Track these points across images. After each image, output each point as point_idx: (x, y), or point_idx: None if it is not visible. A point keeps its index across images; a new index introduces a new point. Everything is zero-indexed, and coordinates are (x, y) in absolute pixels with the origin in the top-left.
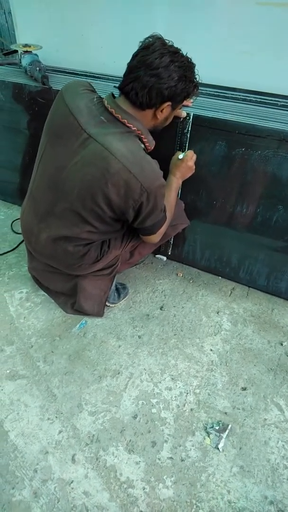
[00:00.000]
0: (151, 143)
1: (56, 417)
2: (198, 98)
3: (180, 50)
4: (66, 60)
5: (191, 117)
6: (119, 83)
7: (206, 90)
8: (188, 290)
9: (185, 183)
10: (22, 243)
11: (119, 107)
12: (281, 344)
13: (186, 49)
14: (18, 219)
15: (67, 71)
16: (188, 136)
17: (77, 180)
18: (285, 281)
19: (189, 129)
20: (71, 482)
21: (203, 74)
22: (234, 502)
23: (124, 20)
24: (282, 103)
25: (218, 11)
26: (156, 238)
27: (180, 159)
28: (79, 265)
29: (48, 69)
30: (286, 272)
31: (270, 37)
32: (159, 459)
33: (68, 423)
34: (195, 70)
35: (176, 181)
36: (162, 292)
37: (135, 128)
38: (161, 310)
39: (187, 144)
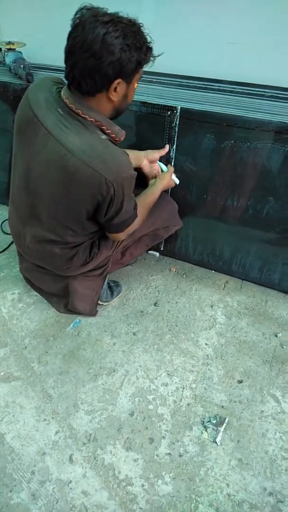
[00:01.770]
0: (118, 134)
1: (52, 417)
2: (185, 91)
3: (117, 15)
4: (51, 57)
5: (179, 110)
6: None
7: (193, 83)
8: (182, 285)
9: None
10: (12, 244)
11: (73, 96)
12: (276, 336)
13: (172, 41)
14: (7, 220)
15: (52, 68)
16: (177, 129)
17: (45, 183)
18: (278, 272)
19: (177, 122)
20: (70, 482)
21: (189, 66)
22: (234, 495)
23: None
24: (269, 94)
25: (204, 3)
26: (122, 236)
27: (164, 172)
28: (67, 267)
29: (33, 66)
30: (278, 264)
31: (256, 27)
32: (157, 455)
33: (65, 423)
34: (143, 31)
35: (156, 191)
36: (155, 288)
37: (92, 119)
38: (155, 306)
39: (175, 138)
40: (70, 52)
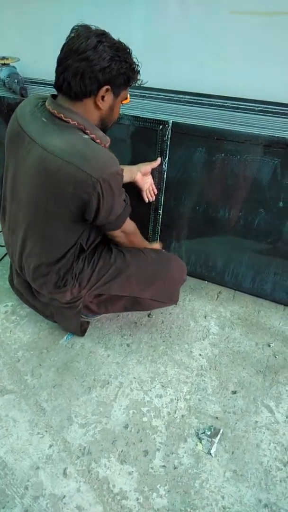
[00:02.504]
0: (102, 140)
1: (46, 431)
2: (176, 105)
3: (107, 32)
4: (45, 71)
5: (170, 124)
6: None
7: (184, 98)
8: None
9: (168, 190)
10: (6, 256)
11: (56, 103)
12: (269, 346)
13: (163, 58)
14: (0, 231)
15: (46, 82)
16: (168, 143)
17: (26, 188)
18: (270, 282)
19: (169, 136)
20: (64, 497)
21: (180, 82)
22: (229, 508)
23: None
24: (259, 108)
25: (193, 20)
26: (119, 234)
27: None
28: (42, 282)
29: (27, 80)
30: (270, 274)
31: (245, 43)
32: (152, 468)
33: (59, 436)
34: (132, 54)
35: (147, 244)
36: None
37: (74, 122)
38: (149, 317)
39: (167, 151)
40: (64, 57)
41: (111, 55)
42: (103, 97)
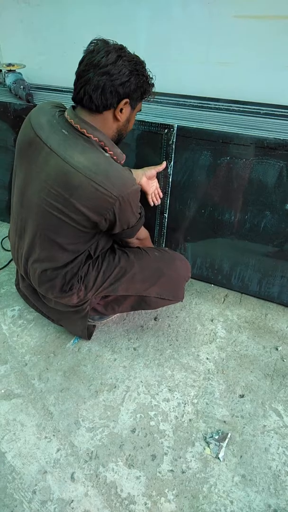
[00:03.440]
0: (119, 157)
1: (54, 435)
2: (181, 109)
3: (125, 47)
4: (50, 77)
5: (175, 128)
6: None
7: (190, 102)
8: None
9: (173, 193)
10: (12, 261)
11: (78, 116)
12: (277, 349)
13: (168, 62)
14: (7, 236)
15: (51, 88)
16: (174, 147)
17: (41, 198)
18: (277, 285)
19: (174, 140)
20: (71, 502)
21: (184, 86)
22: None
23: (105, 36)
24: (264, 111)
25: (198, 25)
26: (134, 241)
27: None
28: (48, 287)
29: (32, 86)
30: (277, 277)
31: (249, 47)
32: (159, 472)
33: (66, 440)
34: (147, 68)
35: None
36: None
37: (96, 139)
38: (155, 320)
39: (172, 155)
40: (84, 71)
41: (130, 69)
42: (121, 110)
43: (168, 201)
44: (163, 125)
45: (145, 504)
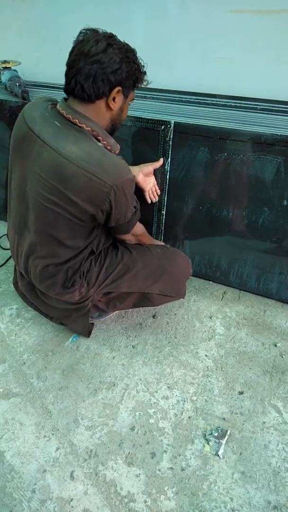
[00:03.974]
0: (113, 147)
1: (53, 434)
2: (178, 105)
3: (115, 35)
4: (45, 74)
5: (172, 125)
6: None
7: (187, 98)
8: None
9: (171, 190)
10: (10, 259)
11: (70, 107)
12: (275, 346)
13: (165, 58)
14: (5, 234)
15: (47, 85)
16: (171, 143)
17: (38, 191)
18: (275, 282)
19: (171, 136)
20: (71, 500)
21: (181, 82)
22: (238, 510)
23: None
24: (261, 107)
25: (194, 20)
26: (129, 236)
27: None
28: (50, 284)
29: (28, 84)
30: (275, 273)
31: (246, 42)
32: (159, 470)
33: (65, 439)
34: (138, 56)
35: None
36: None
37: (88, 128)
38: (154, 318)
39: (170, 151)
40: (74, 61)
41: (121, 57)
42: (114, 98)
43: (165, 198)
44: (160, 121)
45: (145, 502)
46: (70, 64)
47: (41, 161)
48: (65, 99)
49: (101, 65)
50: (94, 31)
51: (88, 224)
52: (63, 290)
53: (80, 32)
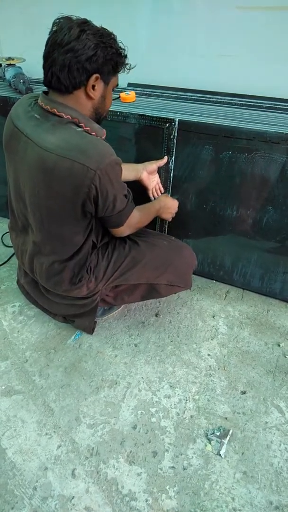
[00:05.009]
0: (98, 132)
1: (54, 431)
2: (183, 103)
3: (89, 20)
4: None
5: (177, 122)
6: None
7: (191, 96)
8: (183, 295)
9: (175, 188)
10: (13, 257)
11: (48, 99)
12: (279, 345)
13: (169, 55)
14: (7, 232)
15: None
16: (175, 141)
17: (29, 189)
18: (279, 281)
19: (175, 134)
20: (72, 498)
21: (186, 79)
22: (239, 510)
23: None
24: (266, 105)
25: (199, 16)
26: (125, 230)
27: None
28: (57, 281)
29: (32, 81)
30: (279, 273)
31: (252, 39)
32: (160, 469)
33: (67, 437)
34: (117, 39)
35: (156, 206)
36: (156, 298)
37: (68, 116)
38: (156, 317)
39: (174, 149)
40: (49, 52)
41: (96, 42)
42: (93, 86)
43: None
44: (164, 119)
45: (146, 501)
46: (46, 56)
47: (27, 158)
48: (46, 93)
49: (74, 53)
50: (68, 18)
51: (81, 215)
52: (70, 286)
53: (54, 22)
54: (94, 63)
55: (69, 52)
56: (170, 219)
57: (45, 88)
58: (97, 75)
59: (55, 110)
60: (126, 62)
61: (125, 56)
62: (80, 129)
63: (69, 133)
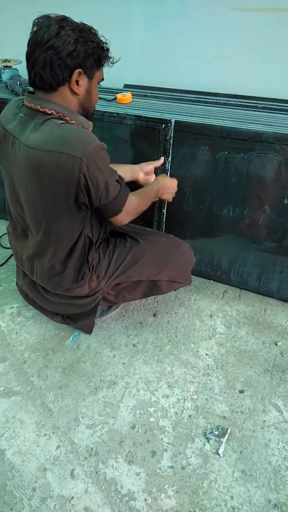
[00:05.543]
0: (84, 124)
1: (53, 432)
2: (179, 104)
3: (68, 17)
4: None
5: (173, 123)
6: None
7: (187, 96)
8: (180, 295)
9: None
10: (11, 258)
11: (33, 97)
12: (276, 344)
13: (165, 57)
14: (5, 234)
15: None
16: (171, 142)
17: (23, 189)
18: (276, 281)
19: (172, 135)
20: (71, 499)
21: (182, 80)
22: (238, 508)
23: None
24: (262, 105)
25: (195, 18)
26: (124, 218)
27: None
28: (59, 281)
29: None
30: (276, 272)
31: (247, 41)
32: (159, 468)
33: (66, 437)
34: (97, 32)
35: (154, 188)
36: (154, 299)
37: (52, 111)
38: (154, 317)
39: (170, 150)
40: (31, 52)
41: (75, 37)
42: (77, 82)
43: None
44: (161, 120)
45: (145, 501)
46: (28, 56)
47: (17, 158)
48: (32, 92)
49: (55, 50)
50: (46, 17)
51: (75, 209)
52: (72, 285)
53: (33, 22)
54: (75, 58)
55: (49, 49)
56: (171, 200)
57: None
58: (80, 70)
59: (38, 106)
60: (109, 55)
61: (107, 50)
62: (60, 121)
63: (50, 127)
